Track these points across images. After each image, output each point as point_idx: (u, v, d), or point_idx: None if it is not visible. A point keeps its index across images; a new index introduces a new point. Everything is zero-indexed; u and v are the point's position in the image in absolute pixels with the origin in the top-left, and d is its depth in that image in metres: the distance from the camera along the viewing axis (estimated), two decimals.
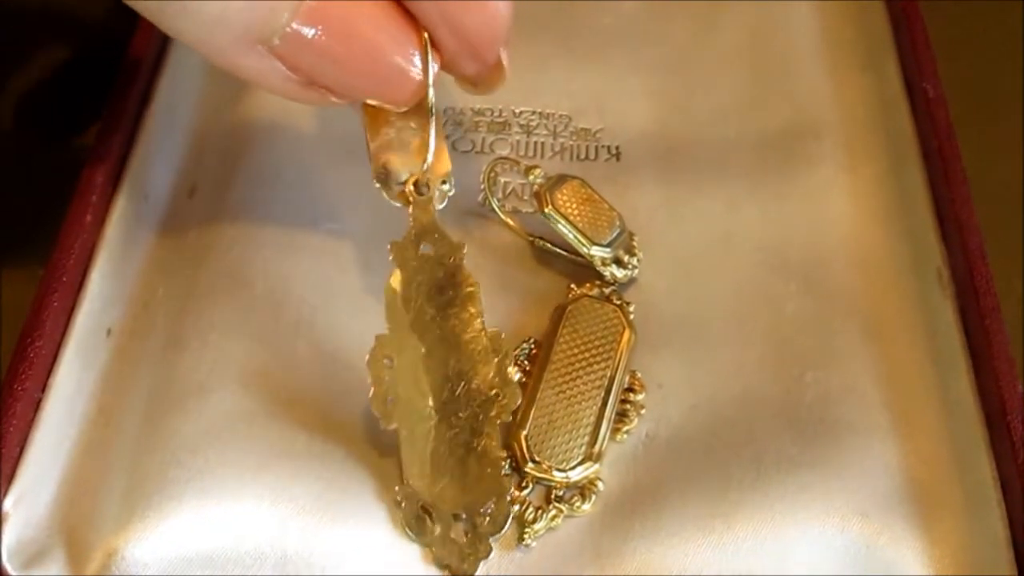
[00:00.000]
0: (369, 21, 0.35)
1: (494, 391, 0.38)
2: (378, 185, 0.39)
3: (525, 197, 0.45)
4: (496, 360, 0.38)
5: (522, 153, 0.47)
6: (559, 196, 0.42)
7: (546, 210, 0.42)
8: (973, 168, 0.44)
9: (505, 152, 0.47)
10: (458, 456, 0.37)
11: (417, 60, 0.36)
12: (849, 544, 0.37)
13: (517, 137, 0.48)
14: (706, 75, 0.50)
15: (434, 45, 0.37)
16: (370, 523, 0.37)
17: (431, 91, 0.37)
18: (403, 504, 0.37)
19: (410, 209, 0.39)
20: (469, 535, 0.37)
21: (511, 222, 0.44)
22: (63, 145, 0.42)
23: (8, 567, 0.36)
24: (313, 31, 0.34)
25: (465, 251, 0.39)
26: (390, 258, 0.38)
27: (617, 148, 0.47)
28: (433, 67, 0.36)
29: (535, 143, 0.47)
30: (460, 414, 0.38)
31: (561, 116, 0.48)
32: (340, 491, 0.37)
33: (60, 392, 0.39)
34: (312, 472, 0.38)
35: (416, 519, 0.37)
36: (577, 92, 0.49)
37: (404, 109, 0.38)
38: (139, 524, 0.36)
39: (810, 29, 0.51)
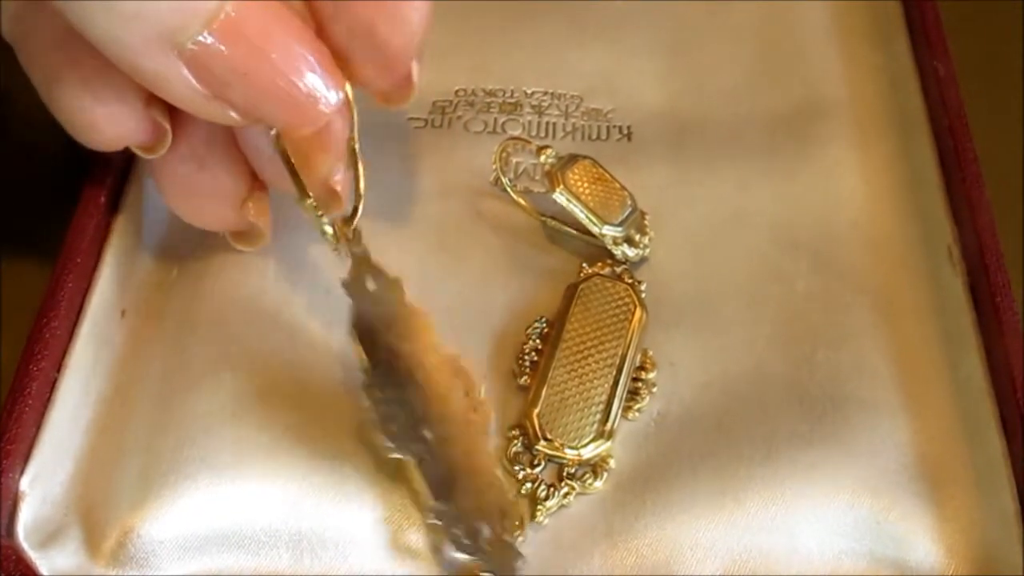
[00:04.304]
0: (286, 40, 0.35)
1: (468, 412, 0.38)
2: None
3: (537, 177, 0.45)
4: (460, 382, 0.38)
5: (534, 133, 0.47)
6: (570, 176, 0.43)
7: (558, 190, 0.42)
8: (983, 147, 0.44)
9: (517, 132, 0.47)
10: (461, 472, 0.37)
11: (327, 88, 0.36)
12: (859, 520, 0.37)
13: (529, 117, 0.48)
14: (717, 55, 0.50)
15: (348, 60, 0.37)
16: (383, 500, 0.37)
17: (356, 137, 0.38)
18: (439, 523, 0.36)
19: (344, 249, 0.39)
20: (496, 542, 0.37)
21: (523, 202, 0.44)
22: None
23: (25, 545, 0.36)
24: (228, 39, 0.34)
25: (404, 286, 0.39)
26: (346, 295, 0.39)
27: (628, 128, 0.48)
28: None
29: (547, 123, 0.47)
30: (452, 436, 0.38)
31: (572, 96, 0.48)
32: (353, 469, 0.38)
33: (76, 372, 0.39)
34: (326, 451, 0.38)
35: (454, 537, 0.36)
36: (588, 72, 0.49)
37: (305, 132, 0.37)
38: (154, 503, 0.37)
39: (820, 8, 0.51)
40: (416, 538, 0.37)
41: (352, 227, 0.39)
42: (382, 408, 0.37)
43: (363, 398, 0.37)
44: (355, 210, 0.39)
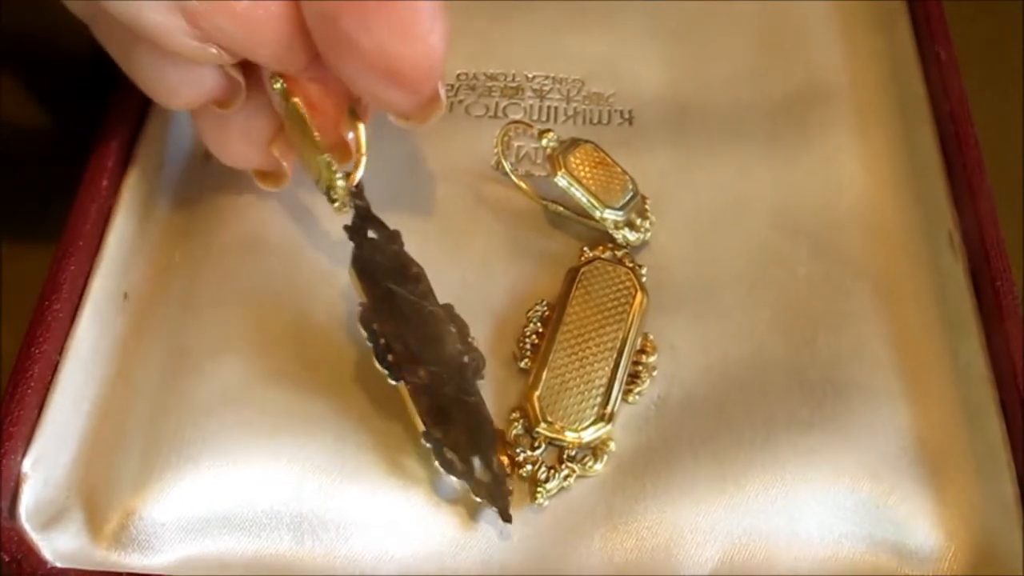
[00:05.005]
0: None
1: (464, 357, 0.38)
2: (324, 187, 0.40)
3: (538, 161, 0.45)
4: (455, 330, 0.39)
5: (535, 117, 0.47)
6: (572, 160, 0.42)
7: (559, 174, 0.42)
8: (984, 133, 0.44)
9: (518, 116, 0.47)
10: (457, 408, 0.38)
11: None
12: (859, 504, 0.37)
13: (530, 101, 0.48)
14: (719, 39, 0.50)
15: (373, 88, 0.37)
16: (385, 481, 0.38)
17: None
18: (431, 448, 0.37)
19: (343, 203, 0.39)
20: (490, 476, 0.37)
21: (524, 186, 0.44)
22: (78, 117, 0.43)
23: (27, 527, 0.36)
24: None
25: (402, 237, 0.40)
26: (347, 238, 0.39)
27: (630, 112, 0.48)
28: None
29: (548, 107, 0.47)
30: (444, 376, 0.38)
31: (574, 80, 0.48)
32: (355, 450, 0.38)
33: (77, 355, 0.40)
34: (327, 432, 0.38)
35: (445, 461, 0.36)
36: (590, 56, 0.49)
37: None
38: (156, 485, 0.37)
39: None
40: (419, 515, 0.37)
41: (356, 181, 0.39)
42: (379, 340, 0.37)
43: (360, 330, 0.37)
44: (357, 164, 0.39)
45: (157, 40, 0.36)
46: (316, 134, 0.38)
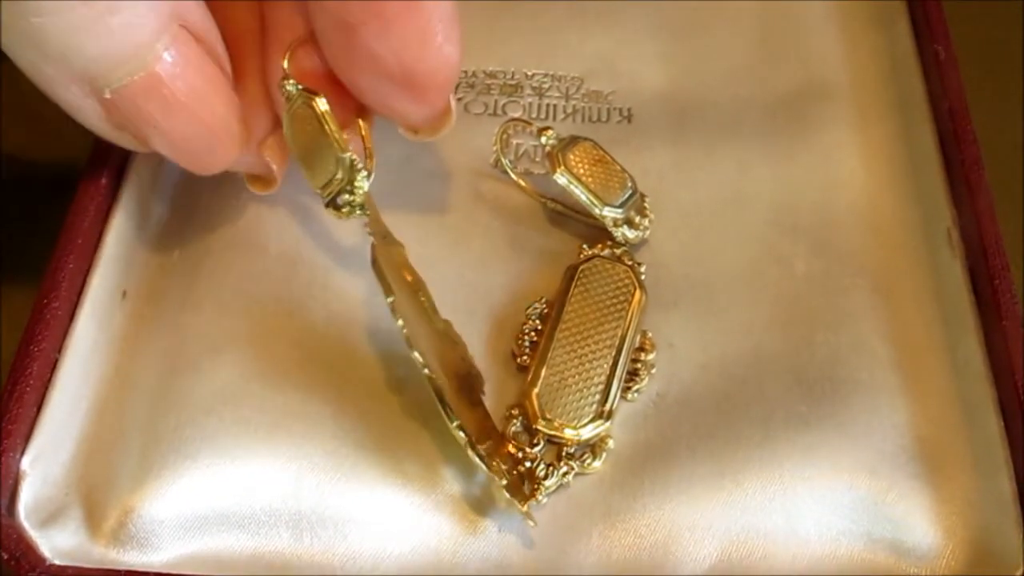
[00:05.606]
0: (199, 101, 0.36)
1: (465, 370, 0.39)
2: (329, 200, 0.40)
3: (537, 159, 0.45)
4: (454, 346, 0.39)
5: (534, 115, 0.47)
6: (571, 157, 0.42)
7: (558, 171, 0.42)
8: (983, 131, 0.44)
9: (517, 114, 0.47)
10: (473, 403, 0.38)
11: (231, 143, 0.38)
12: (857, 501, 0.37)
13: (529, 99, 0.48)
14: (718, 37, 0.50)
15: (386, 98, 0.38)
16: (383, 479, 0.38)
17: None
18: (465, 438, 0.36)
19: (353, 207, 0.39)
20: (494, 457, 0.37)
21: (523, 183, 0.44)
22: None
23: (26, 525, 0.36)
24: (145, 93, 0.35)
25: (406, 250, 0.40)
26: (367, 232, 0.39)
27: (629, 110, 0.47)
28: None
29: (547, 105, 0.47)
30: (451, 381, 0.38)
31: (573, 78, 0.48)
32: (353, 448, 0.38)
33: (76, 353, 0.39)
34: (326, 431, 0.38)
35: (477, 452, 0.36)
36: (589, 54, 0.49)
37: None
38: (155, 483, 0.37)
39: None
40: (416, 515, 0.37)
41: (366, 190, 0.39)
42: (409, 328, 0.37)
43: (394, 317, 0.36)
44: (369, 172, 0.39)
45: (71, 114, 0.36)
46: (338, 132, 0.38)
